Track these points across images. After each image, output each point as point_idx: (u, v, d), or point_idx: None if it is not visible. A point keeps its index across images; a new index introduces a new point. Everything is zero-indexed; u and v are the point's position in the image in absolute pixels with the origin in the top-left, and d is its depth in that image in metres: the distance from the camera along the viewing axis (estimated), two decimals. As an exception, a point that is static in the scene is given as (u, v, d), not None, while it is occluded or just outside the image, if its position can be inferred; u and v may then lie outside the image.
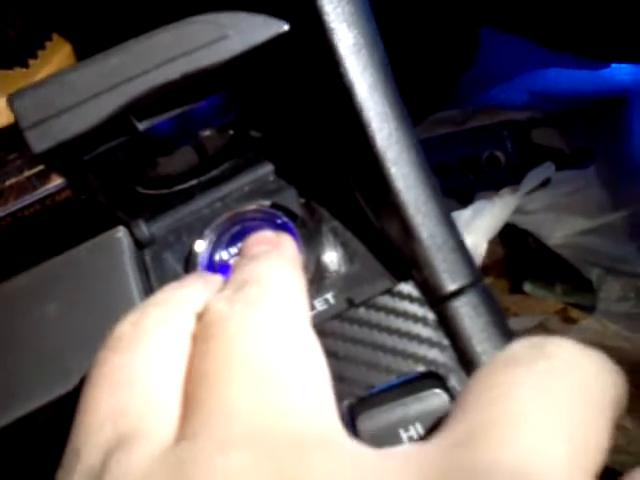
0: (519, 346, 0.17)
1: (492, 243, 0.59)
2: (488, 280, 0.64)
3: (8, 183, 0.36)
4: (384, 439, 0.20)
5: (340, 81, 0.25)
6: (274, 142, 0.30)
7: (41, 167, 0.36)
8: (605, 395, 0.16)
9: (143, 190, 0.29)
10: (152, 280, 0.28)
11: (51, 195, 0.35)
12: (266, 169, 0.31)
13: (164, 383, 0.17)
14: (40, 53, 0.44)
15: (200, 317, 0.19)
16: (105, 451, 0.16)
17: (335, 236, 0.28)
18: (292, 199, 0.29)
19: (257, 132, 0.30)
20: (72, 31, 0.46)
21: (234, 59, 0.25)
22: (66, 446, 0.17)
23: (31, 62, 0.44)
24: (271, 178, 0.31)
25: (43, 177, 0.36)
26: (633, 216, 0.59)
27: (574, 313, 0.61)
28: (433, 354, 0.23)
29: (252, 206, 0.29)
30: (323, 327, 0.24)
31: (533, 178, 0.60)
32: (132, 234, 0.29)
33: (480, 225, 0.57)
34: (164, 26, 0.25)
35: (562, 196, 0.61)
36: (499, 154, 0.63)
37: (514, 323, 0.60)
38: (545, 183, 0.62)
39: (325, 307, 0.25)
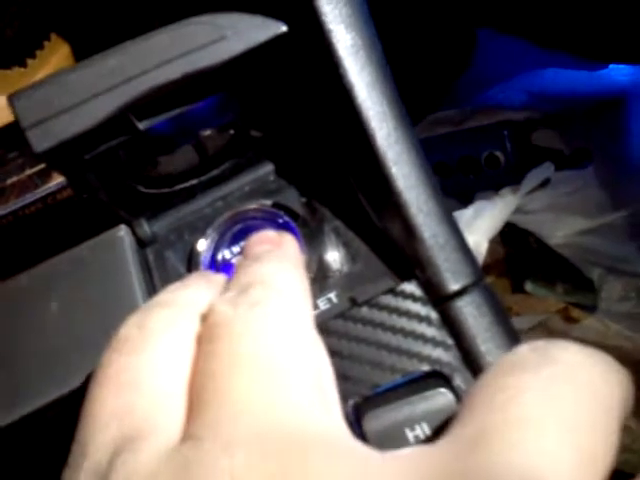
0: (525, 350, 0.17)
1: (493, 243, 0.59)
2: (489, 280, 0.64)
3: (9, 182, 0.36)
4: (390, 438, 0.20)
5: (339, 82, 0.25)
6: (275, 142, 0.30)
7: (42, 166, 0.36)
8: (612, 397, 0.16)
9: (144, 189, 0.29)
10: (155, 279, 0.28)
11: (52, 194, 0.35)
12: (267, 169, 0.31)
13: (170, 384, 0.17)
14: (38, 53, 0.44)
15: (204, 318, 0.19)
16: (111, 450, 0.16)
17: (337, 235, 0.28)
18: (293, 198, 0.29)
19: (257, 132, 0.30)
20: (70, 31, 0.46)
21: (233, 60, 0.25)
22: (72, 444, 0.17)
23: (29, 62, 0.44)
24: (272, 178, 0.31)
25: (44, 175, 0.36)
26: (633, 216, 0.59)
27: (575, 313, 0.61)
28: (437, 353, 0.23)
29: (254, 205, 0.29)
30: (326, 326, 0.24)
31: (533, 178, 0.61)
32: (134, 233, 0.29)
33: (481, 225, 0.57)
34: (163, 27, 0.25)
35: (562, 196, 0.61)
36: (498, 154, 0.63)
37: (515, 323, 0.60)
38: (545, 183, 0.62)
39: (328, 306, 0.25)
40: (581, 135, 0.62)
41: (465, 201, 0.62)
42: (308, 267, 0.26)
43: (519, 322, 0.61)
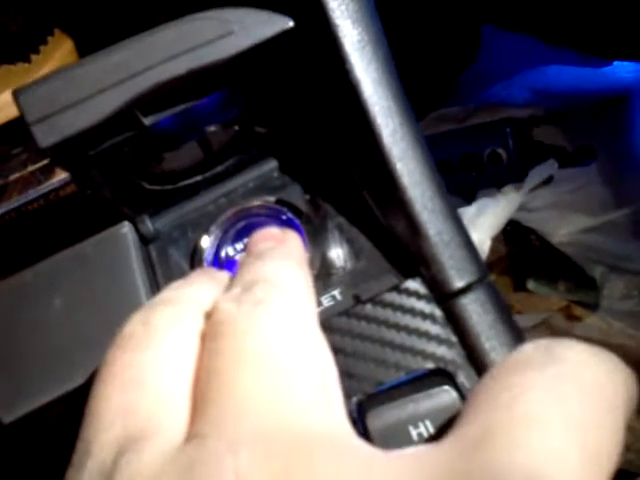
0: (529, 348, 0.17)
1: (495, 240, 0.59)
2: (491, 277, 0.64)
3: (12, 178, 0.35)
4: (393, 436, 0.20)
5: (345, 77, 0.25)
6: (279, 138, 0.30)
7: (45, 162, 0.36)
8: (617, 396, 0.16)
9: (148, 185, 0.29)
10: (158, 276, 0.28)
11: (55, 190, 0.35)
12: (271, 165, 0.31)
13: (174, 382, 0.17)
14: (42, 48, 0.44)
15: (208, 316, 0.19)
16: (116, 450, 0.16)
17: (341, 232, 0.28)
18: (297, 195, 0.29)
19: (262, 128, 0.30)
20: (74, 26, 0.46)
21: (239, 55, 0.25)
22: (76, 443, 0.17)
23: (33, 57, 0.44)
24: (276, 174, 0.31)
25: (47, 172, 0.36)
26: (636, 214, 0.59)
27: (578, 311, 0.61)
28: (441, 351, 0.23)
29: (257, 202, 0.29)
30: (330, 323, 0.24)
31: (536, 175, 0.60)
32: (137, 229, 0.29)
33: (484, 222, 0.57)
34: (169, 22, 0.25)
35: (565, 194, 0.61)
36: (501, 151, 0.63)
37: (518, 321, 0.60)
38: (548, 181, 0.62)
39: (332, 303, 0.25)
40: (585, 132, 0.62)
41: (467, 199, 0.62)
42: (312, 264, 0.26)
43: (521, 320, 0.61)
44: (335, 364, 0.18)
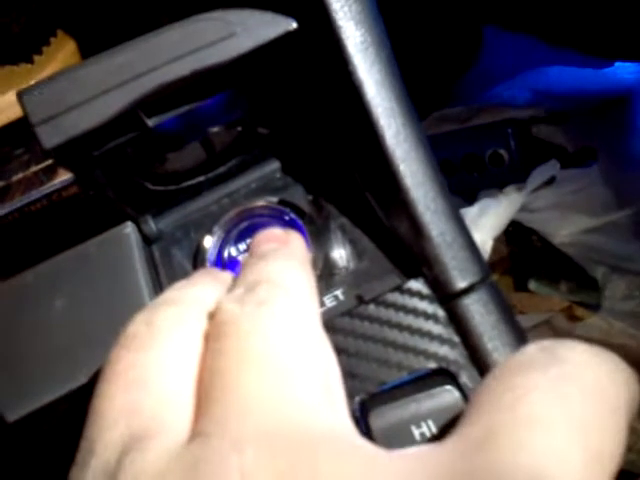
0: (532, 349, 0.17)
1: (497, 241, 0.59)
2: (493, 278, 0.64)
3: (15, 178, 0.35)
4: (396, 435, 0.20)
5: (348, 78, 0.25)
6: (282, 139, 0.30)
7: (48, 162, 0.36)
8: (619, 397, 0.16)
9: (151, 186, 0.29)
10: (161, 276, 0.28)
11: (58, 190, 0.35)
12: (273, 166, 0.31)
13: (177, 381, 0.17)
14: (45, 49, 0.44)
15: (212, 316, 0.19)
16: (120, 449, 0.16)
17: (343, 233, 0.28)
18: (300, 196, 0.29)
19: (265, 129, 0.30)
20: (76, 27, 0.46)
21: (242, 57, 0.25)
22: (79, 442, 0.17)
23: (36, 58, 0.44)
24: (278, 175, 0.31)
25: (50, 172, 0.36)
26: (637, 215, 0.58)
27: (579, 311, 0.61)
28: (444, 351, 0.23)
29: (260, 202, 0.29)
30: (333, 323, 0.24)
31: (538, 176, 0.60)
32: (140, 230, 0.29)
33: (486, 223, 0.57)
34: (172, 23, 0.25)
35: (567, 194, 0.61)
36: (503, 152, 0.63)
37: (519, 321, 0.60)
38: (550, 181, 0.62)
39: (335, 303, 0.25)
40: (586, 133, 0.62)
41: (469, 199, 0.62)
42: (314, 264, 0.26)
43: (523, 320, 0.61)
44: (338, 364, 0.18)
